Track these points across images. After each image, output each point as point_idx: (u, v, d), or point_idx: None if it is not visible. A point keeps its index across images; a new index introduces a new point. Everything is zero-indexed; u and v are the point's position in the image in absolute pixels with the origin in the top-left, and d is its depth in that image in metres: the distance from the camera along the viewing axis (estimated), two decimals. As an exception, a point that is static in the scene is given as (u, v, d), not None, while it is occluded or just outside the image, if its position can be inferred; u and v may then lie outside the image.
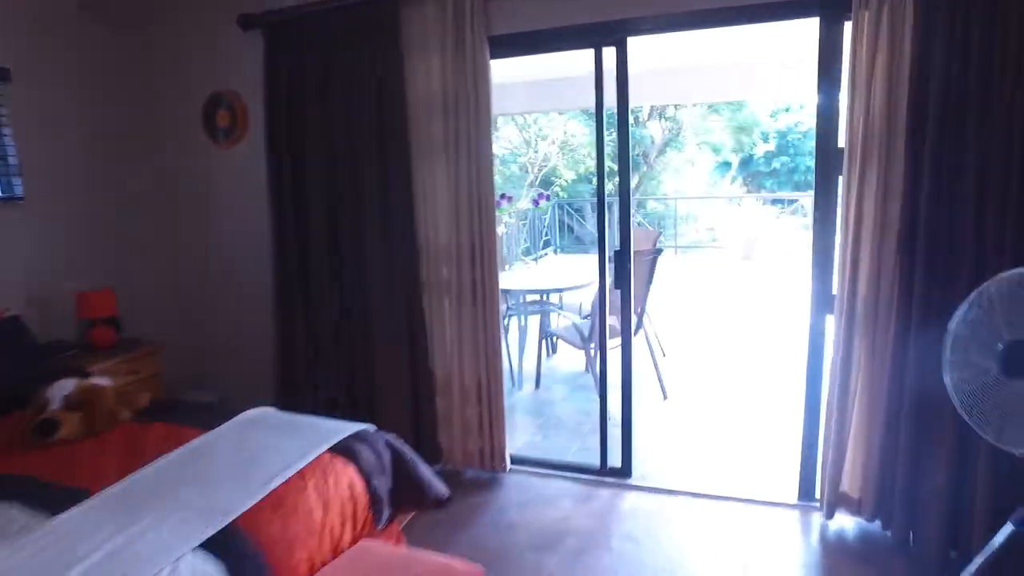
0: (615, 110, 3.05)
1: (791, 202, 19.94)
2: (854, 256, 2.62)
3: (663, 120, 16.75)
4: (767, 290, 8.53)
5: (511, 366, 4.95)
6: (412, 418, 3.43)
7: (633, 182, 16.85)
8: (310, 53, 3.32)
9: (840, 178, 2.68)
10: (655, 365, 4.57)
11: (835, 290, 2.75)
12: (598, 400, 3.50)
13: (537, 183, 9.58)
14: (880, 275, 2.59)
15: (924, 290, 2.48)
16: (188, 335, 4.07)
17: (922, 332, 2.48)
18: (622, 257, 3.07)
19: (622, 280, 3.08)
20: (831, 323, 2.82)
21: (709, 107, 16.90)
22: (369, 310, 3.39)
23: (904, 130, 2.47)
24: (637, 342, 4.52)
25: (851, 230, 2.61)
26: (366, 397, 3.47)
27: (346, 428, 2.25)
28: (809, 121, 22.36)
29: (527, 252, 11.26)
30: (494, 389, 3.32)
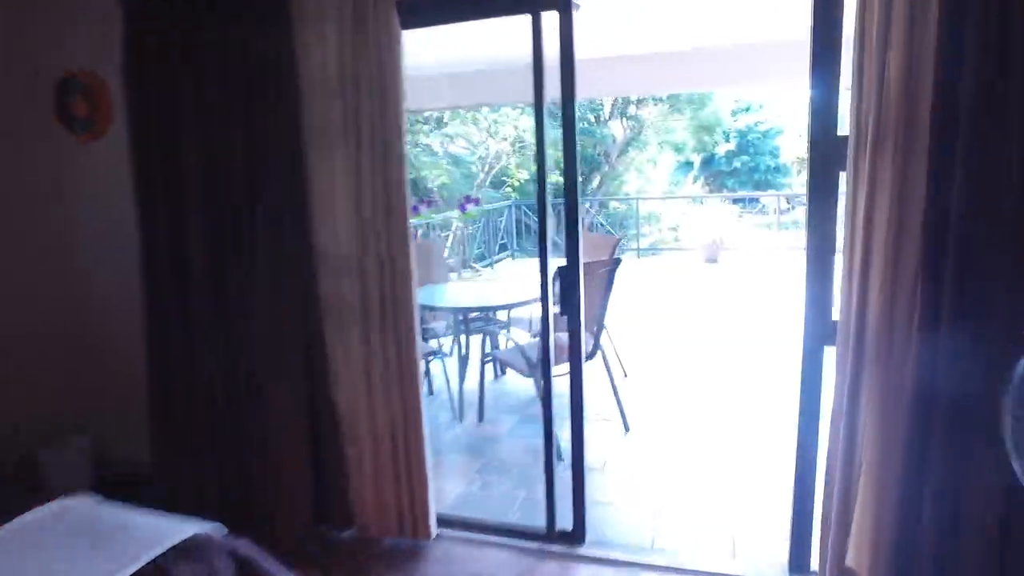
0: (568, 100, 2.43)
1: (752, 201, 19.78)
2: (863, 273, 2.03)
3: (625, 119, 16.35)
4: (737, 298, 7.99)
5: (451, 395, 4.31)
6: (313, 473, 2.77)
7: (595, 182, 16.52)
8: (182, 23, 2.63)
9: (843, 174, 2.10)
10: (615, 392, 3.96)
11: (837, 315, 2.16)
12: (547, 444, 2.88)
13: (487, 183, 8.95)
14: (896, 297, 2.01)
15: (954, 317, 1.90)
16: (50, 372, 3.32)
17: (952, 370, 1.91)
18: (569, 275, 2.44)
19: (569, 304, 2.45)
20: (831, 354, 2.24)
21: (671, 106, 16.57)
22: (257, 336, 2.71)
23: (928, 114, 1.88)
24: (593, 365, 3.92)
25: (859, 240, 2.02)
26: (255, 447, 2.79)
27: (171, 535, 1.57)
28: (771, 120, 22.30)
29: (481, 257, 10.64)
30: (413, 436, 2.68)
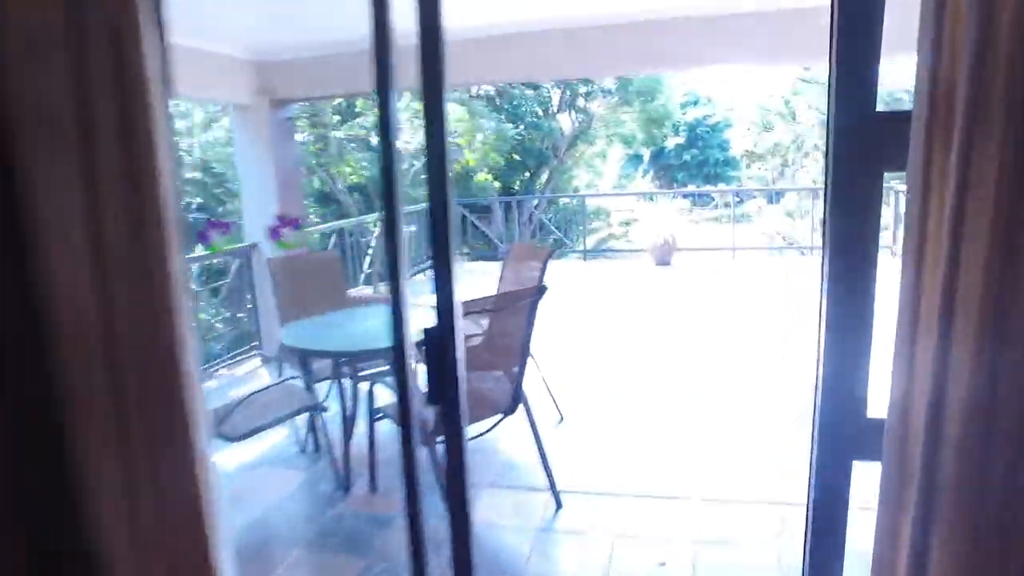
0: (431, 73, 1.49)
1: (703, 196, 19.32)
2: (941, 345, 1.14)
3: (573, 112, 15.60)
4: (695, 312, 7.03)
5: (334, 461, 3.34)
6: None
7: (543, 177, 15.71)
8: None
9: (903, 175, 1.22)
10: (541, 453, 3.05)
11: (881, 411, 1.28)
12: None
13: (409, 181, 7.90)
14: (1001, 372, 1.13)
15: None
16: None
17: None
18: (440, 345, 1.47)
19: (440, 389, 1.49)
20: (866, 473, 1.37)
21: (620, 98, 15.93)
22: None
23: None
24: (517, 415, 3.03)
25: (931, 276, 1.14)
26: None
27: None
28: (720, 113, 21.89)
29: (419, 261, 9.62)
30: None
